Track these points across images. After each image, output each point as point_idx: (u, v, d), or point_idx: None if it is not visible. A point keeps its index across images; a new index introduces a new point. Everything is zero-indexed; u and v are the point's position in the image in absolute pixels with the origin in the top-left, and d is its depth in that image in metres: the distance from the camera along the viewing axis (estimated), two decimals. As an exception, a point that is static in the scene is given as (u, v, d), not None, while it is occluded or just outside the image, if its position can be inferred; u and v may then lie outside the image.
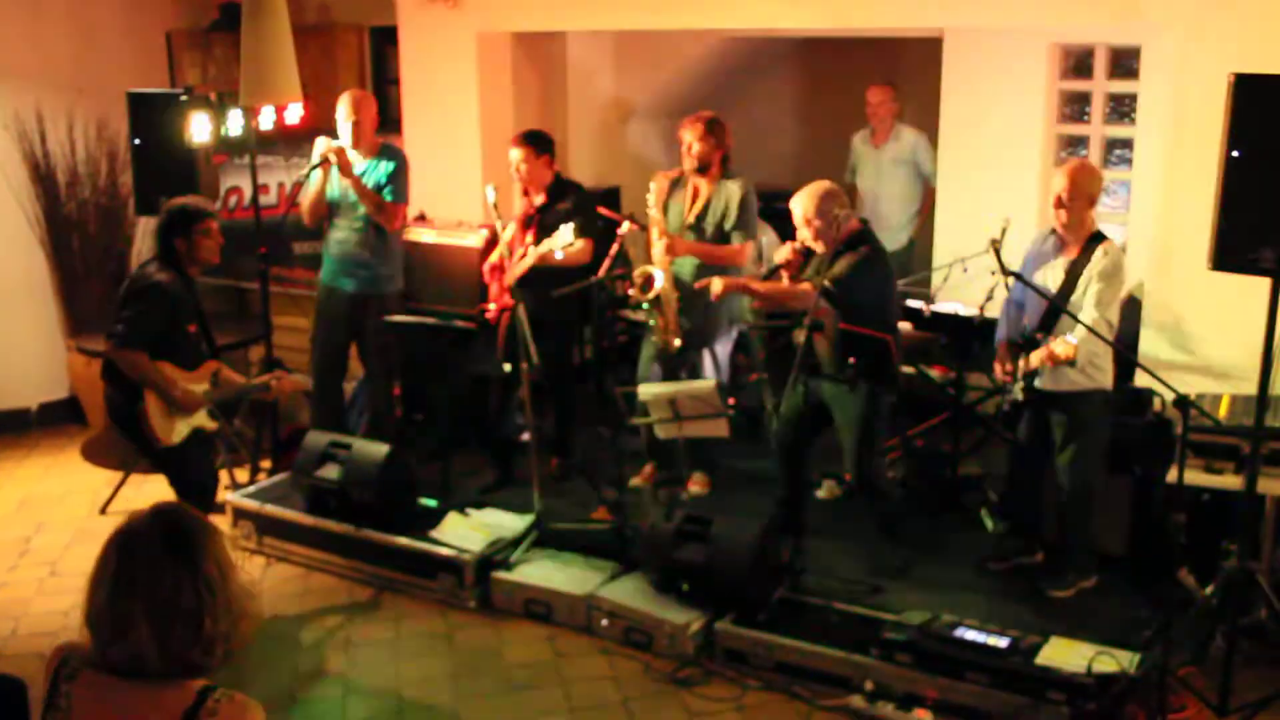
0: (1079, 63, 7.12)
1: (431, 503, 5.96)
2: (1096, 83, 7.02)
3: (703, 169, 5.98)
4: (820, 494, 6.18)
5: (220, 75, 7.96)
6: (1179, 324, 5.51)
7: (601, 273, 6.01)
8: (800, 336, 5.25)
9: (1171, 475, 4.51)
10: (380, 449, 5.83)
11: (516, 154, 6.12)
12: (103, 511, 6.51)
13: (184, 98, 6.45)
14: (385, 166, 6.32)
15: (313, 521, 5.89)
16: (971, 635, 4.54)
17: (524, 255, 6.04)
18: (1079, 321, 4.73)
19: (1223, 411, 4.87)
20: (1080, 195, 4.91)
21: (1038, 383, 5.01)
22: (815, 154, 8.96)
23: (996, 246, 5.25)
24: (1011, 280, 5.06)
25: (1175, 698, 4.34)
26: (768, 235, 6.94)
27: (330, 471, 5.86)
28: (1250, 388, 4.30)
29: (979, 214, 6.72)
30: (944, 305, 6.43)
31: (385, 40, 7.94)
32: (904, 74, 8.05)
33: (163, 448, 5.11)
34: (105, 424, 7.47)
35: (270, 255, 6.50)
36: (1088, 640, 4.52)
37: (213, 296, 6.50)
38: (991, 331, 5.39)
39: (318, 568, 5.88)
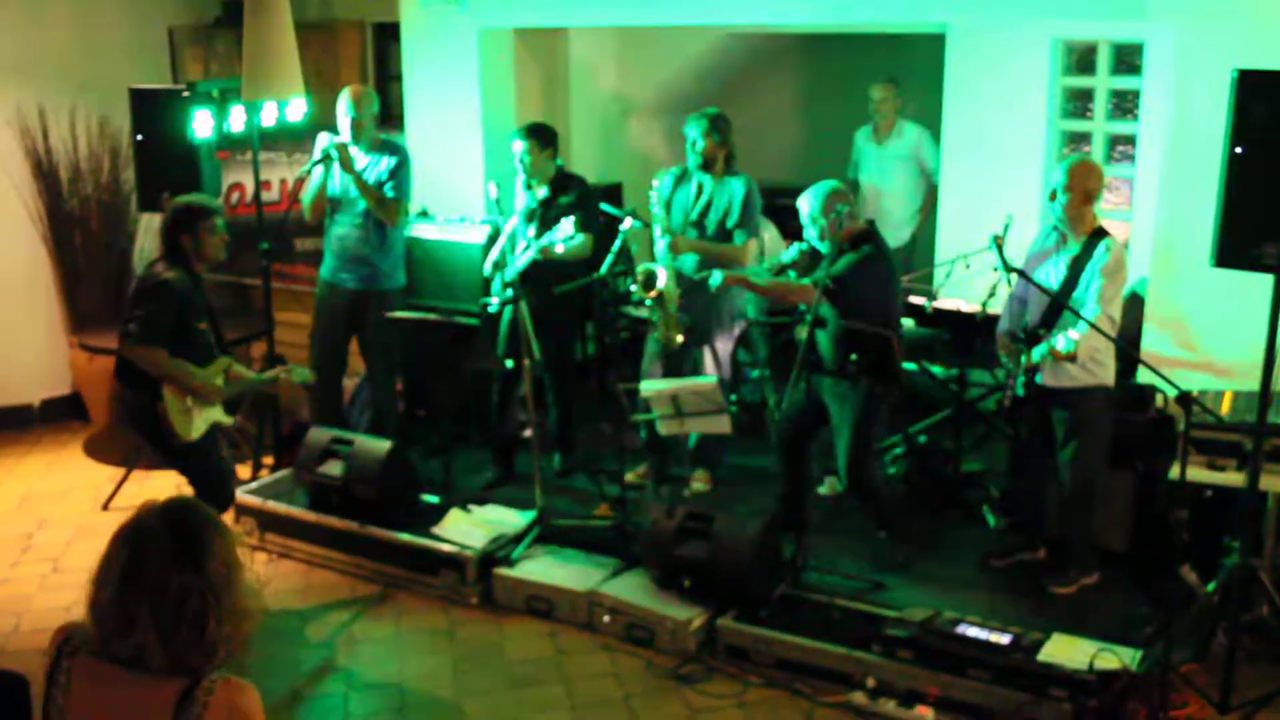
0: (1082, 59, 7.10)
1: (433, 499, 5.97)
2: (1099, 79, 7.01)
3: (706, 166, 5.97)
4: (822, 490, 6.18)
5: (223, 71, 7.96)
6: (1181, 320, 5.51)
7: (603, 269, 6.00)
8: (802, 332, 5.24)
9: (1174, 472, 4.51)
10: (382, 445, 5.84)
11: (520, 145, 6.12)
12: (105, 508, 6.51)
13: (186, 94, 6.45)
14: (387, 162, 6.32)
15: (315, 518, 5.90)
16: (973, 632, 4.54)
17: (525, 249, 6.03)
18: (1081, 317, 4.73)
19: (1225, 408, 4.87)
20: (1075, 189, 4.91)
21: (1039, 379, 5.01)
22: (818, 150, 8.95)
23: (999, 243, 5.26)
24: (1014, 277, 5.07)
25: (1177, 694, 4.34)
26: (770, 232, 6.94)
27: (332, 468, 5.86)
28: (1253, 384, 4.30)
29: (981, 210, 6.71)
30: (946, 301, 6.43)
31: (387, 36, 7.94)
32: (906, 70, 8.04)
33: (181, 444, 5.11)
34: (108, 420, 7.49)
35: (272, 251, 6.50)
36: (1089, 637, 4.53)
37: (215, 292, 6.48)
38: (994, 328, 5.39)
39: (320, 564, 5.89)
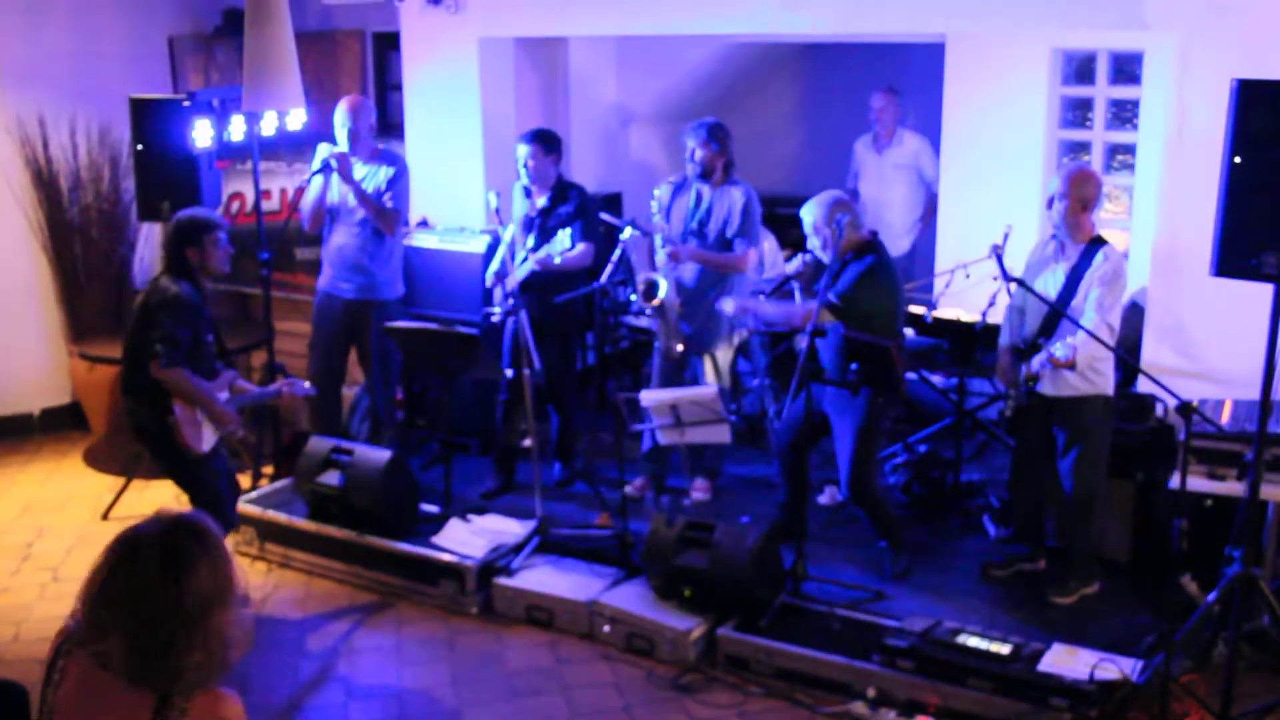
0: (1081, 68, 7.12)
1: (433, 508, 5.96)
2: (1098, 88, 7.02)
3: (706, 175, 5.98)
4: (822, 500, 6.17)
5: (223, 81, 7.97)
6: (1181, 330, 5.51)
7: (603, 278, 6.01)
8: (802, 342, 5.24)
9: (1174, 481, 4.51)
10: (382, 455, 5.83)
11: (524, 150, 6.13)
12: (105, 517, 6.50)
13: (186, 103, 6.45)
14: (385, 172, 6.33)
15: (314, 527, 5.89)
16: (974, 642, 4.53)
17: (525, 259, 6.04)
18: (1079, 326, 4.73)
19: (1225, 417, 4.87)
20: (1072, 196, 4.92)
21: (1039, 388, 5.01)
22: (817, 160, 8.97)
23: (998, 252, 5.26)
24: (1014, 286, 5.07)
25: (1178, 704, 4.33)
26: (770, 242, 6.95)
27: (332, 477, 5.86)
28: (1253, 393, 4.30)
29: (981, 219, 6.72)
30: (946, 311, 6.44)
31: (387, 46, 7.95)
32: (906, 79, 8.06)
33: (195, 456, 5.10)
34: (108, 429, 7.48)
35: (273, 260, 6.50)
36: (1090, 646, 4.52)
37: (215, 301, 6.48)
38: (993, 337, 5.39)
39: (319, 574, 5.88)
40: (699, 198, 6.04)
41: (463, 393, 6.66)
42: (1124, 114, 6.97)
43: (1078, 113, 7.17)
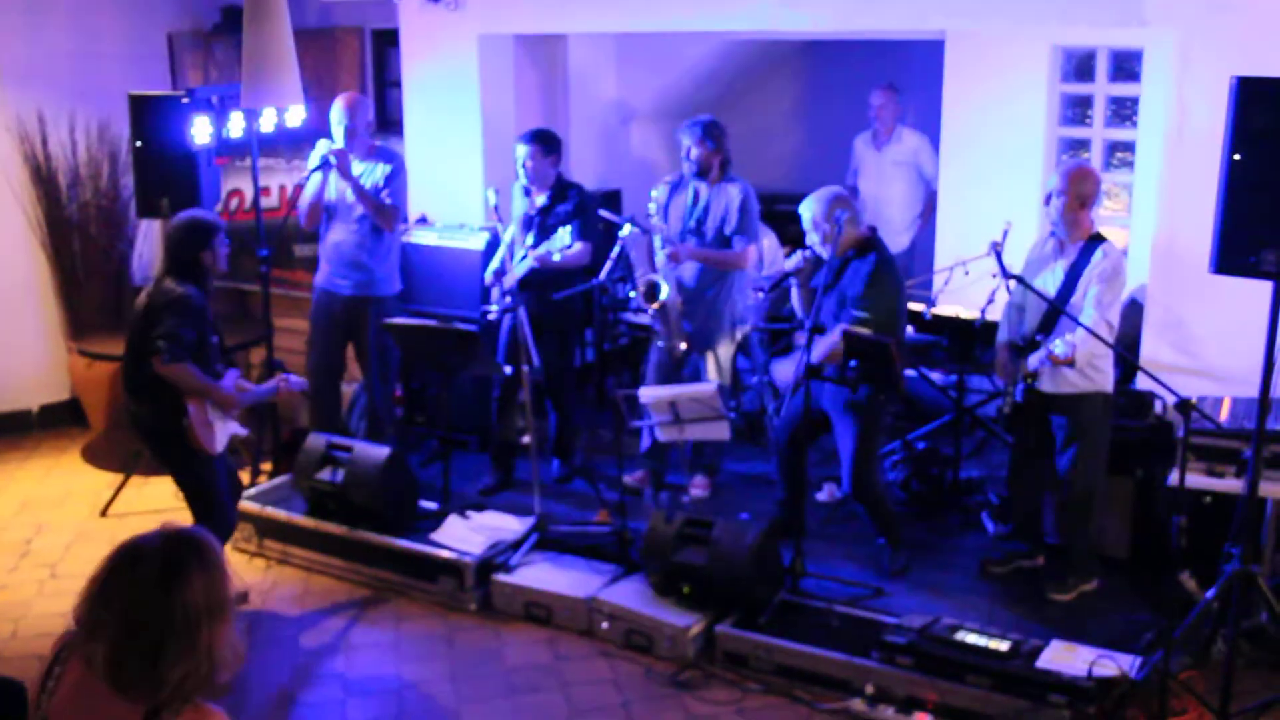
0: (1080, 65, 7.12)
1: (432, 505, 5.96)
2: (1098, 86, 7.02)
3: (702, 173, 5.98)
4: (821, 496, 6.17)
5: (222, 78, 7.97)
6: (1180, 326, 5.51)
7: (602, 276, 6.01)
8: (802, 339, 5.24)
9: (1173, 478, 4.51)
10: (381, 451, 5.83)
11: (523, 150, 6.13)
12: (103, 514, 6.50)
13: (185, 100, 6.45)
14: (382, 169, 6.33)
15: (313, 524, 5.89)
16: (972, 638, 4.54)
17: (524, 257, 6.04)
18: (1078, 323, 4.73)
19: (1224, 414, 4.87)
20: (1070, 193, 4.92)
21: (1039, 385, 5.01)
22: (817, 156, 8.97)
23: (997, 250, 5.26)
24: (1013, 284, 5.07)
25: (1176, 701, 4.33)
26: (770, 239, 6.95)
27: (331, 474, 5.86)
28: (1251, 391, 4.30)
29: (980, 217, 6.72)
30: (945, 308, 6.43)
31: (386, 43, 7.94)
32: (906, 77, 8.05)
33: (207, 456, 5.09)
34: (107, 426, 7.48)
35: (271, 257, 6.50)
36: (1089, 643, 4.52)
37: (214, 299, 6.47)
38: (992, 334, 5.39)
39: (318, 570, 5.88)
40: (696, 196, 6.04)
41: (461, 389, 6.66)
42: (1124, 111, 6.97)
43: (1077, 110, 7.17)
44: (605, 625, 5.17)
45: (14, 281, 7.77)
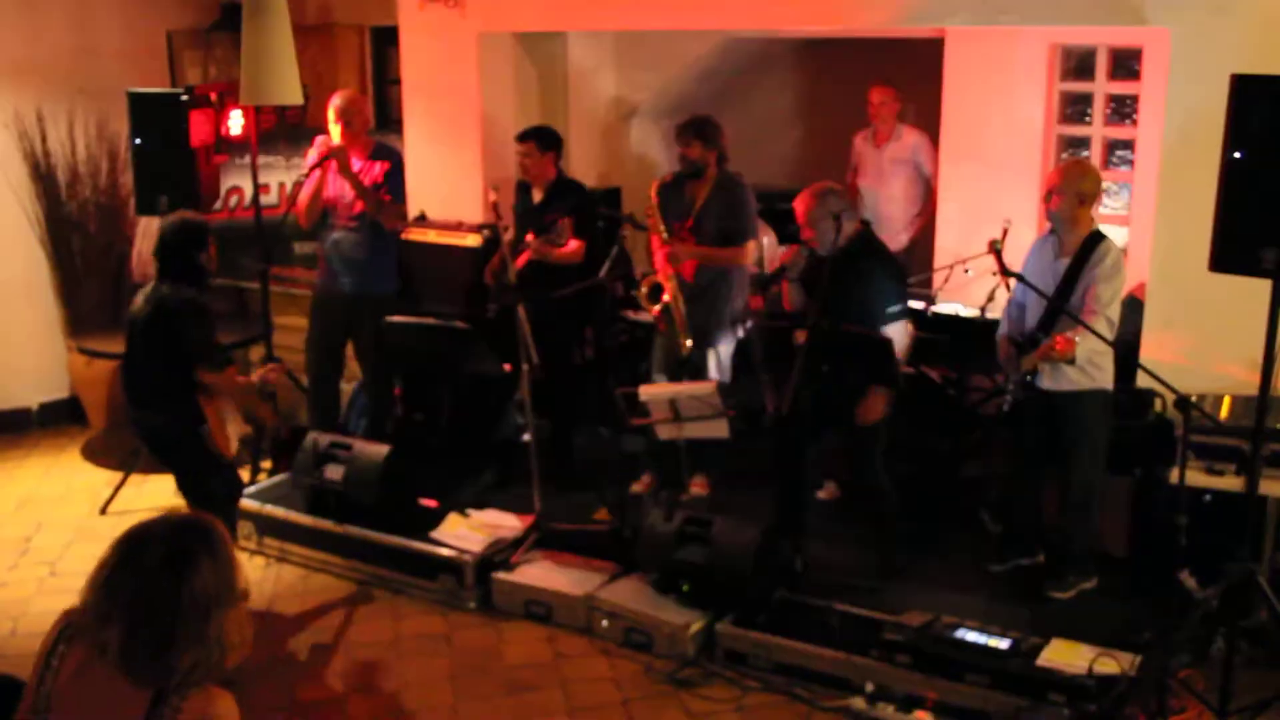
0: (1080, 64, 7.10)
1: (431, 503, 5.96)
2: (1098, 84, 7.01)
3: (698, 172, 5.97)
4: (821, 494, 6.17)
5: (221, 75, 7.96)
6: (1180, 324, 5.50)
7: (602, 273, 6.00)
8: (802, 337, 5.24)
9: (1173, 476, 4.51)
10: (380, 449, 5.83)
11: (523, 148, 6.13)
12: (103, 511, 6.50)
13: (185, 97, 6.45)
14: (382, 167, 6.33)
15: (313, 522, 5.89)
16: (972, 636, 4.54)
17: (522, 254, 6.04)
18: (1078, 321, 4.73)
19: (1224, 413, 4.87)
20: (1068, 190, 4.92)
21: (1038, 383, 5.00)
22: (816, 154, 8.95)
23: (997, 248, 5.26)
24: (1012, 281, 5.07)
25: (1175, 700, 4.34)
26: (768, 236, 6.94)
27: (331, 472, 5.86)
28: (1251, 389, 4.30)
29: (980, 215, 6.71)
30: (945, 306, 6.43)
31: (386, 40, 7.93)
32: (905, 74, 8.04)
33: (224, 462, 5.09)
34: (106, 424, 7.47)
35: (271, 255, 6.49)
36: (1088, 642, 4.52)
37: (213, 296, 6.48)
38: (992, 332, 5.39)
39: (318, 568, 5.88)
40: (694, 194, 6.03)
41: (460, 387, 6.65)
42: (1123, 109, 6.97)
43: (1077, 108, 7.16)
44: (605, 623, 5.17)
45: (13, 279, 7.77)
